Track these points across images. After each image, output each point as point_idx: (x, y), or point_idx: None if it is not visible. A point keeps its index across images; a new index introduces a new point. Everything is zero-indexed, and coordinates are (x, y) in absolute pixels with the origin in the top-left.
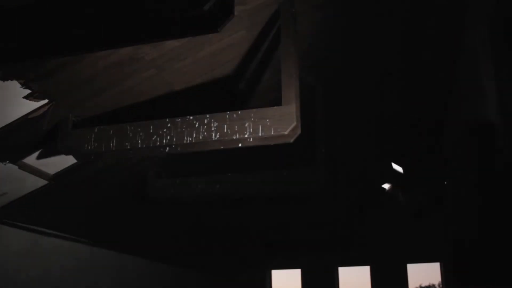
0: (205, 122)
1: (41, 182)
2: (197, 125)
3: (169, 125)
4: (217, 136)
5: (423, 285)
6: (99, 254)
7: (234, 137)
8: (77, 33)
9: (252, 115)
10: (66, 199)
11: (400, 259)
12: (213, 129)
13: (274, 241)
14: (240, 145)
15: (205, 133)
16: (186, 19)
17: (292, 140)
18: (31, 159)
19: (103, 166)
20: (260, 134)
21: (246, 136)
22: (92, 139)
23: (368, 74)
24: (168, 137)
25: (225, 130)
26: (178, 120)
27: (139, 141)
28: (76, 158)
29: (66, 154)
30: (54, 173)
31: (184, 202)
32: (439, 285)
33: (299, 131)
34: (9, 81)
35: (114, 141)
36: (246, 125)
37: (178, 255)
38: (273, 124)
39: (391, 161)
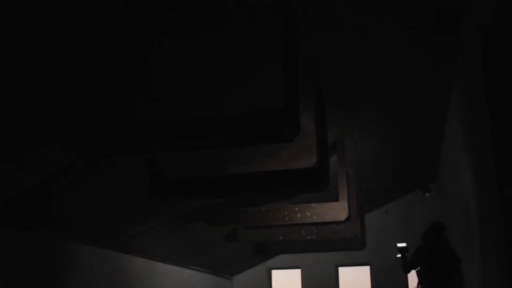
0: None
1: (40, 181)
2: None
3: None
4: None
5: None
6: (99, 254)
7: None
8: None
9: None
10: (66, 199)
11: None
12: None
13: (274, 241)
14: None
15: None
16: (186, 19)
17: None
18: (31, 159)
19: (103, 164)
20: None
21: None
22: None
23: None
24: None
25: None
26: None
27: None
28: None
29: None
30: (52, 172)
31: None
32: None
33: (298, 132)
34: None
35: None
36: None
37: (177, 254)
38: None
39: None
